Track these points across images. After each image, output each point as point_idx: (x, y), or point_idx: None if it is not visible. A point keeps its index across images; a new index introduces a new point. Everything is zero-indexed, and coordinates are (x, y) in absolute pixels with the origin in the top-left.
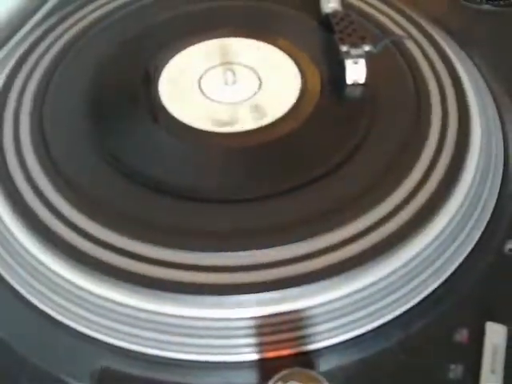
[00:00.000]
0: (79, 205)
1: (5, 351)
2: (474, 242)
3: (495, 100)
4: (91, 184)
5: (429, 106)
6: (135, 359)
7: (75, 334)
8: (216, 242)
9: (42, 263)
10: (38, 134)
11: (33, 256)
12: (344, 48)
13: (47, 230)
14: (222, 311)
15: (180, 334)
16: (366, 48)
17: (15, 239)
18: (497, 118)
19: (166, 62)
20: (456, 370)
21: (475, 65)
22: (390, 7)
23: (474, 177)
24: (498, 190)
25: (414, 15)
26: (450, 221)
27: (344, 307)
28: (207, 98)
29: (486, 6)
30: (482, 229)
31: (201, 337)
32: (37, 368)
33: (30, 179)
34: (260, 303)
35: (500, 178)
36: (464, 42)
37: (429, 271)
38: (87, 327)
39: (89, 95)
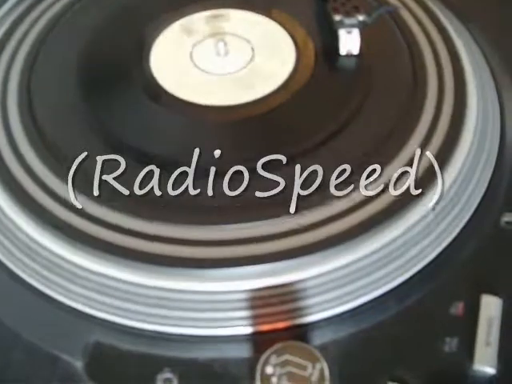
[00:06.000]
0: (66, 177)
1: None
2: (469, 215)
3: (492, 71)
4: (78, 156)
5: (425, 77)
6: (128, 334)
7: (67, 310)
8: (208, 216)
9: (30, 237)
10: (25, 106)
11: (21, 230)
12: (337, 17)
13: (35, 204)
14: (215, 284)
15: (173, 308)
16: (360, 18)
17: (3, 213)
18: (494, 89)
19: (158, 33)
20: (451, 343)
21: (474, 38)
22: None
23: (470, 148)
24: (494, 163)
25: None
26: (446, 193)
27: (338, 279)
28: (199, 69)
29: None
30: (478, 201)
31: (194, 310)
32: (30, 344)
33: (16, 151)
34: (254, 276)
35: (496, 149)
36: (463, 16)
37: (424, 243)
38: (79, 302)
39: (78, 67)
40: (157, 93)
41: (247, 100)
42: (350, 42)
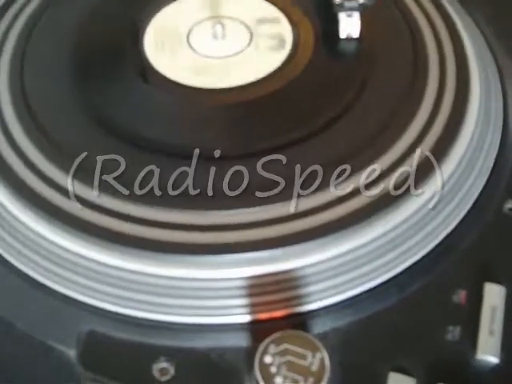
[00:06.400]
0: (59, 161)
1: None
2: (472, 201)
3: (495, 58)
4: (71, 140)
5: (426, 61)
6: (122, 322)
7: (61, 298)
8: (205, 201)
9: (22, 223)
10: (17, 88)
11: (12, 215)
12: (337, 0)
13: (26, 189)
14: (212, 271)
15: (169, 296)
16: (361, 0)
17: None
18: (497, 76)
19: (153, 15)
20: (454, 332)
21: (477, 25)
22: None
23: (472, 135)
24: (496, 149)
25: None
26: (448, 180)
27: (338, 267)
28: (196, 52)
29: None
30: (481, 188)
31: (190, 298)
32: (23, 333)
33: (6, 131)
34: (252, 263)
35: (499, 136)
36: (466, 2)
37: (426, 231)
38: (73, 290)
39: (71, 50)
40: (149, 76)
41: (241, 83)
42: (350, 25)
